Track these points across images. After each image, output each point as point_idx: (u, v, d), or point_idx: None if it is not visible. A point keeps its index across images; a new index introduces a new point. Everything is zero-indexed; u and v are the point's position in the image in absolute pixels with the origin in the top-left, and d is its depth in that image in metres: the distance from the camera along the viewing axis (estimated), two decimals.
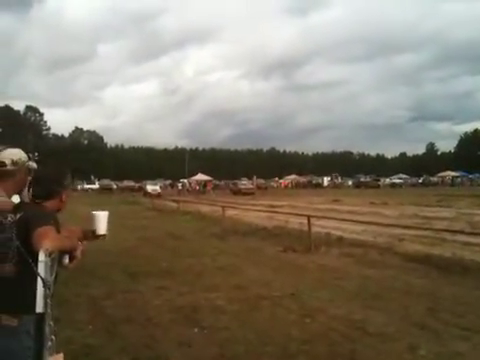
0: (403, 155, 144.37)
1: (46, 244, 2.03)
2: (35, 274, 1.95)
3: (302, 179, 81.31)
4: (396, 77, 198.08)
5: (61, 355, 2.13)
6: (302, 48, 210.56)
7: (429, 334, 4.74)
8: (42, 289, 1.92)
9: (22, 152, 2.83)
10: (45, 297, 1.93)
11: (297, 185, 74.68)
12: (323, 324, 5.13)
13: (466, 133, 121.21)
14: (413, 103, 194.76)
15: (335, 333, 4.82)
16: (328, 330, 4.92)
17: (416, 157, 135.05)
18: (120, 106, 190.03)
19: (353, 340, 4.59)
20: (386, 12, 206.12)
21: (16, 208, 2.37)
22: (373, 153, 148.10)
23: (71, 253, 2.35)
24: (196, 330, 4.94)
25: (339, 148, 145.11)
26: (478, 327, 4.86)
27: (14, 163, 2.65)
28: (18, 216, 2.30)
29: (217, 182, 71.49)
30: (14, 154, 2.72)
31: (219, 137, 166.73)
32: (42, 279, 1.93)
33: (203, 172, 72.10)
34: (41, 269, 1.94)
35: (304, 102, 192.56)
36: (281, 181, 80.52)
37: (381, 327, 4.96)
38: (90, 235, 2.54)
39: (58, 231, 2.36)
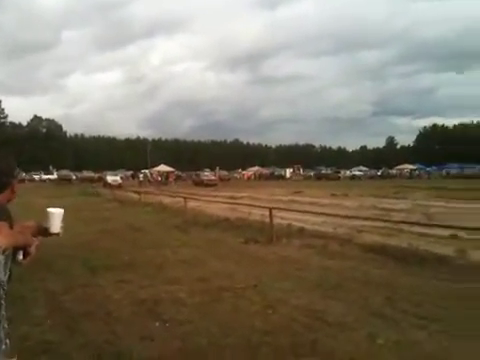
0: (364, 148, 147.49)
1: None
2: None
3: (265, 171, 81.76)
4: (361, 72, 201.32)
5: None
6: (270, 41, 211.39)
7: (387, 323, 4.87)
8: None
9: None
10: None
11: (260, 177, 75.03)
12: (285, 315, 5.18)
13: (425, 128, 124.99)
14: (376, 98, 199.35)
15: (297, 324, 4.88)
16: (290, 321, 4.97)
17: (376, 150, 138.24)
18: (82, 95, 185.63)
19: (314, 330, 4.66)
20: (355, 9, 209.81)
21: None
22: (335, 146, 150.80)
23: (25, 249, 2.27)
24: (158, 324, 4.89)
25: (302, 141, 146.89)
26: (435, 316, 5.02)
27: None
28: None
29: (180, 173, 70.94)
30: None
31: (183, 128, 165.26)
32: None
33: (166, 163, 71.49)
34: None
35: (269, 95, 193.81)
36: (244, 173, 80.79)
37: (341, 317, 5.05)
38: (44, 231, 2.44)
39: (11, 226, 2.26)
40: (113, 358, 3.96)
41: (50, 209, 2.42)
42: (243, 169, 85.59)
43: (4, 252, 1.94)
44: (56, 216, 2.41)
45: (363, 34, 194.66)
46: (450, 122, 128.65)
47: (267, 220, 11.24)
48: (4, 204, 2.40)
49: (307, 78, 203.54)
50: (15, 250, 2.20)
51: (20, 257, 2.24)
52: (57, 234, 2.41)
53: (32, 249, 2.25)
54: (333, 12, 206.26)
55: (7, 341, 1.80)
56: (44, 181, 60.62)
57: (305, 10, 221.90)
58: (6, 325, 1.83)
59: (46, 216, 2.41)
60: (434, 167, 79.13)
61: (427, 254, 8.26)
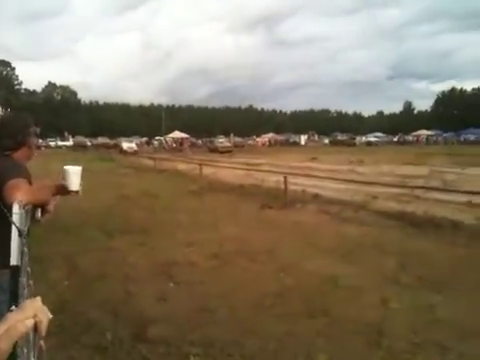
0: (380, 113, 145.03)
1: (19, 196, 1.97)
2: (7, 227, 1.87)
3: (279, 137, 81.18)
4: (379, 33, 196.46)
5: (38, 298, 2.09)
6: (285, 1, 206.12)
7: (401, 288, 4.88)
8: (17, 240, 1.86)
9: None
10: (20, 248, 1.87)
11: (274, 143, 74.60)
12: (297, 278, 5.22)
13: (443, 92, 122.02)
14: (394, 61, 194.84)
15: (309, 287, 4.91)
16: (302, 284, 5.01)
17: (393, 116, 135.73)
18: (95, 61, 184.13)
19: (326, 294, 4.70)
20: None
21: None
22: (351, 111, 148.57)
23: (43, 207, 2.29)
24: (172, 285, 4.97)
25: (317, 106, 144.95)
26: (449, 281, 5.01)
27: None
28: None
29: (194, 140, 70.84)
30: None
31: (197, 94, 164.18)
32: (18, 229, 1.86)
33: (180, 130, 71.36)
34: (16, 220, 1.87)
35: (284, 59, 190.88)
36: (258, 139, 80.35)
37: (354, 281, 5.07)
38: (63, 190, 2.44)
39: (30, 183, 2.28)
40: (128, 316, 4.05)
41: (67, 167, 2.40)
42: (257, 136, 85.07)
43: (24, 207, 1.96)
44: (73, 173, 2.39)
45: None
46: (469, 86, 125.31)
47: (282, 186, 11.22)
48: (24, 161, 2.42)
49: (323, 40, 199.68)
50: (34, 207, 2.22)
51: (38, 214, 2.26)
52: (76, 192, 2.40)
53: (50, 207, 2.28)
54: None
55: (27, 290, 1.81)
56: (60, 147, 61.10)
57: None
58: (27, 277, 1.85)
59: (64, 174, 2.40)
60: (451, 133, 77.65)
61: (443, 220, 8.19)
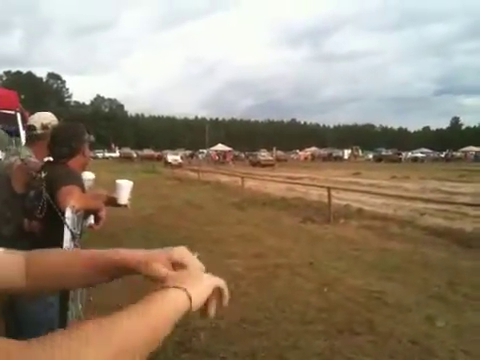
0: (426, 129, 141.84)
1: (71, 201, 2.07)
2: (61, 232, 1.97)
3: (322, 152, 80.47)
4: (425, 48, 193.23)
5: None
6: (332, 16, 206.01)
7: (447, 306, 4.74)
8: (70, 243, 1.95)
9: (53, 116, 2.86)
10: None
11: (317, 157, 74.02)
12: (341, 293, 5.16)
13: None
14: (440, 76, 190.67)
15: (353, 303, 4.84)
16: (346, 299, 4.94)
17: (440, 131, 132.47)
18: (142, 74, 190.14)
19: (371, 310, 4.62)
20: None
21: (42, 168, 2.40)
22: (396, 126, 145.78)
23: (96, 214, 2.39)
24: None
25: (361, 121, 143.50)
26: None
27: (44, 127, 2.68)
28: (44, 175, 2.33)
29: (237, 153, 71.30)
30: (44, 118, 2.76)
31: (240, 107, 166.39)
32: (71, 231, 1.96)
33: (223, 143, 72.04)
34: (68, 223, 1.97)
35: (329, 73, 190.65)
36: (301, 153, 79.95)
37: (399, 298, 4.97)
38: (113, 202, 2.54)
39: (83, 191, 2.39)
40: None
41: (119, 181, 2.49)
42: (300, 150, 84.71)
43: (77, 212, 2.07)
44: (124, 188, 2.48)
45: (428, 7, 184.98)
46: None
47: (325, 200, 11.13)
48: (78, 169, 2.54)
49: (369, 54, 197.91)
50: (87, 214, 2.33)
51: (91, 220, 2.37)
52: (125, 205, 2.49)
53: (102, 214, 2.37)
54: None
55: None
56: (107, 158, 62.95)
57: None
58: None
59: (115, 187, 2.49)
60: None
61: None
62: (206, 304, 0.75)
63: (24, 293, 0.90)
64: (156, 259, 0.79)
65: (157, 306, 0.66)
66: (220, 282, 0.79)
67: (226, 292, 0.79)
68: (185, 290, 0.70)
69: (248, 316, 4.39)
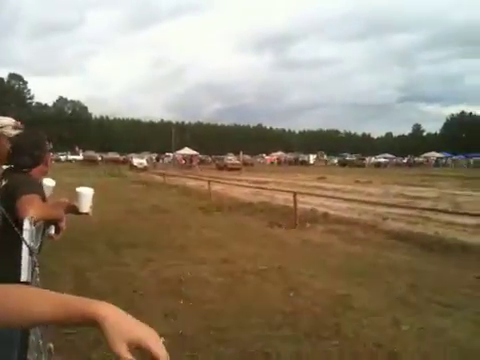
0: (389, 135, 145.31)
1: (31, 212, 1.99)
2: (18, 243, 1.89)
3: (288, 156, 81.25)
4: (388, 57, 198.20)
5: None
6: (297, 24, 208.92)
7: (412, 310, 4.83)
8: (27, 257, 1.87)
9: (13, 120, 2.74)
10: (31, 265, 1.88)
11: (283, 162, 74.66)
12: (308, 298, 5.19)
13: (452, 115, 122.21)
14: (403, 84, 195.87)
15: (319, 307, 4.88)
16: (312, 304, 4.97)
17: (402, 137, 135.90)
18: (106, 77, 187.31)
19: (337, 314, 4.66)
20: None
21: (2, 175, 2.31)
22: (360, 132, 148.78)
23: (57, 224, 2.31)
24: (182, 302, 4.95)
25: (326, 126, 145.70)
26: (459, 304, 4.97)
27: None
28: (3, 184, 2.24)
29: (203, 157, 71.11)
30: (3, 123, 2.64)
31: (207, 112, 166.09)
32: (28, 246, 1.88)
33: (189, 146, 71.71)
34: (26, 237, 1.89)
35: (294, 79, 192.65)
36: (267, 157, 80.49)
37: (365, 302, 5.03)
38: (74, 210, 2.48)
39: (44, 200, 2.30)
40: None
41: (79, 189, 2.43)
42: (267, 154, 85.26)
43: (35, 224, 1.98)
44: (85, 196, 2.43)
45: (392, 17, 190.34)
46: (479, 110, 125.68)
47: (291, 205, 11.21)
48: (39, 178, 2.45)
49: (333, 62, 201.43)
50: (47, 223, 2.24)
51: (52, 231, 2.29)
52: (87, 213, 2.45)
53: (63, 224, 2.29)
54: None
55: None
56: (70, 161, 61.50)
57: None
58: None
59: (76, 196, 2.43)
60: (461, 156, 77.32)
61: (453, 242, 8.14)
62: None
63: None
64: (124, 330, 0.78)
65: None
66: None
67: None
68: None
69: (214, 323, 4.35)
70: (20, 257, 1.87)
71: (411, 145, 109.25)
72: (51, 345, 1.72)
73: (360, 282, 5.85)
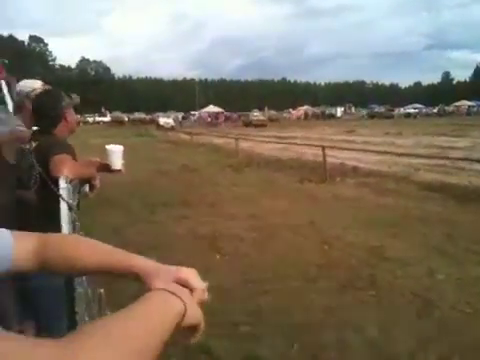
0: (418, 84, 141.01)
1: (65, 171, 2.04)
2: (57, 202, 1.94)
3: (315, 110, 79.88)
4: (414, 1, 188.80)
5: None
6: None
7: (448, 259, 4.83)
8: (67, 214, 1.93)
9: (39, 83, 2.78)
10: (71, 221, 1.95)
11: (310, 116, 73.50)
12: (341, 250, 5.23)
13: None
14: (430, 30, 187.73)
15: (354, 259, 4.92)
16: (347, 256, 5.02)
17: (431, 86, 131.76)
18: (126, 35, 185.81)
19: (372, 265, 4.70)
20: None
21: (32, 138, 2.36)
22: (387, 82, 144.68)
23: (90, 182, 2.37)
24: (218, 257, 5.08)
25: (352, 78, 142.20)
26: None
27: (27, 95, 2.61)
28: (34, 145, 2.30)
29: (228, 114, 70.67)
30: (30, 85, 2.68)
31: (229, 67, 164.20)
32: (66, 203, 1.93)
33: (214, 104, 71.32)
34: (64, 194, 1.95)
35: (316, 29, 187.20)
36: (293, 112, 79.35)
37: (399, 253, 5.05)
38: (107, 168, 2.52)
39: (75, 160, 2.36)
40: None
41: (109, 146, 2.45)
42: (292, 109, 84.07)
43: (71, 182, 2.04)
44: (116, 153, 2.45)
45: None
46: None
47: (320, 159, 11.13)
48: (66, 136, 2.49)
49: (356, 9, 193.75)
50: (81, 182, 2.30)
51: (86, 189, 2.35)
52: (119, 171, 2.48)
53: (97, 182, 2.35)
54: None
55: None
56: (98, 123, 62.24)
57: None
58: None
59: (106, 153, 2.46)
60: None
61: None
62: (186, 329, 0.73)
63: (32, 272, 0.91)
64: (164, 275, 0.81)
65: (158, 310, 0.66)
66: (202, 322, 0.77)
67: (200, 331, 0.77)
68: (184, 302, 0.70)
69: (251, 276, 4.45)
70: (60, 214, 1.94)
71: (441, 94, 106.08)
72: (102, 291, 1.80)
73: (394, 233, 5.85)
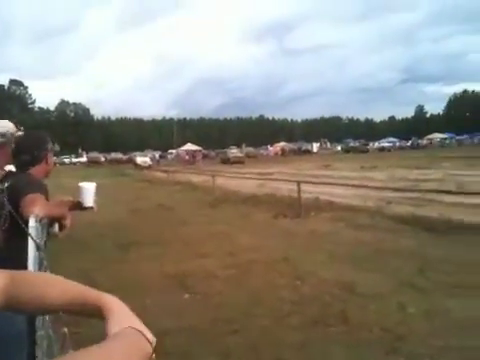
0: (392, 119, 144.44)
1: (35, 210, 2.02)
2: (25, 242, 1.92)
3: (291, 146, 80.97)
4: (387, 38, 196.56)
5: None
6: (294, 9, 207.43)
7: (418, 293, 4.83)
8: (34, 253, 1.90)
9: (10, 124, 2.79)
10: (38, 260, 1.91)
11: (288, 152, 74.42)
12: (314, 286, 5.20)
13: (455, 94, 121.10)
14: (404, 65, 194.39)
15: (326, 295, 4.89)
16: (319, 292, 4.99)
17: (405, 120, 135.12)
18: (106, 77, 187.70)
19: (344, 300, 4.67)
20: None
21: (4, 177, 2.34)
22: (362, 118, 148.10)
23: (60, 222, 2.34)
24: (188, 296, 4.98)
25: (328, 113, 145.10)
26: (466, 284, 4.94)
27: (2, 135, 2.62)
28: (6, 185, 2.28)
29: (206, 152, 71.08)
30: (1, 126, 2.68)
31: (208, 106, 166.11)
32: (34, 242, 1.90)
33: (192, 142, 71.75)
34: (32, 234, 1.92)
35: (293, 67, 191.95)
36: (271, 148, 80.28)
37: (371, 288, 5.03)
38: (79, 206, 2.50)
39: (47, 199, 2.34)
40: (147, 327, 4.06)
41: (81, 183, 2.45)
42: (270, 145, 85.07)
43: (41, 221, 2.02)
44: (88, 190, 2.44)
45: None
46: None
47: (295, 195, 11.20)
48: (41, 177, 2.49)
49: (332, 47, 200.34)
50: (51, 221, 2.28)
51: (56, 229, 2.32)
52: (91, 208, 2.46)
53: (67, 222, 2.33)
54: None
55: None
56: (74, 164, 61.82)
57: None
58: None
59: (79, 191, 2.45)
60: (465, 135, 76.92)
61: (459, 223, 8.10)
62: None
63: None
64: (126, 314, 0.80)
65: (135, 349, 0.68)
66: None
67: None
68: (150, 343, 0.72)
69: (221, 315, 4.37)
70: (27, 253, 1.91)
71: (414, 127, 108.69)
72: (65, 329, 1.75)
73: (367, 268, 5.85)
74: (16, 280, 0.87)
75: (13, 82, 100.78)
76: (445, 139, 75.94)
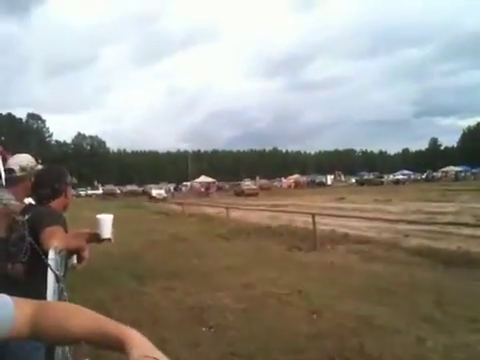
0: (406, 151, 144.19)
1: (55, 242, 2.08)
2: (44, 274, 1.98)
3: (305, 178, 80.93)
4: (401, 72, 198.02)
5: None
6: (306, 45, 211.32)
7: (437, 327, 4.76)
8: (54, 285, 1.95)
9: (30, 157, 2.90)
10: (58, 292, 1.96)
11: (300, 184, 74.34)
12: (331, 320, 5.15)
13: (469, 127, 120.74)
14: (417, 98, 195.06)
15: (343, 328, 4.84)
16: (336, 326, 4.94)
17: (419, 153, 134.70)
18: (122, 110, 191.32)
19: (361, 334, 4.61)
20: (391, 4, 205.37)
21: (24, 210, 2.42)
22: (376, 150, 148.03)
23: (79, 253, 2.40)
24: (204, 329, 4.97)
25: (342, 146, 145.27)
26: None
27: (22, 169, 2.72)
28: (26, 217, 2.35)
29: (220, 184, 71.37)
30: (22, 160, 2.80)
31: (222, 139, 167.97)
32: (54, 273, 1.96)
33: (206, 174, 72.19)
34: (52, 265, 1.98)
35: (307, 101, 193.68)
36: (284, 181, 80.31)
37: (388, 321, 4.98)
38: (96, 238, 2.56)
39: (66, 231, 2.40)
40: None
41: (99, 215, 2.52)
42: (284, 177, 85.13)
43: (60, 253, 2.08)
44: (105, 222, 2.50)
45: (401, 31, 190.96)
46: None
47: (310, 227, 11.18)
48: (60, 210, 2.56)
49: (345, 81, 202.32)
50: (69, 253, 2.34)
51: (74, 261, 2.37)
52: (109, 239, 2.51)
53: (85, 254, 2.38)
54: (370, 10, 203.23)
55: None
56: (90, 196, 62.35)
57: (340, 10, 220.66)
58: None
59: (96, 223, 2.52)
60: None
61: (477, 256, 8.00)
62: None
63: (23, 340, 0.92)
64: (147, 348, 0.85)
65: None
66: None
67: None
68: None
69: (238, 349, 4.35)
70: (46, 285, 1.96)
71: (429, 160, 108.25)
72: None
73: (383, 301, 5.78)
74: (42, 309, 0.91)
75: (31, 116, 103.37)
76: (460, 172, 75.28)
